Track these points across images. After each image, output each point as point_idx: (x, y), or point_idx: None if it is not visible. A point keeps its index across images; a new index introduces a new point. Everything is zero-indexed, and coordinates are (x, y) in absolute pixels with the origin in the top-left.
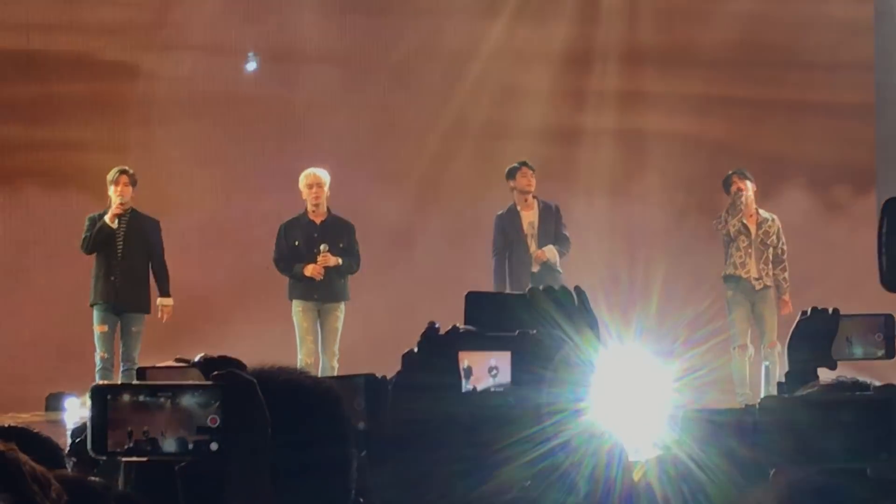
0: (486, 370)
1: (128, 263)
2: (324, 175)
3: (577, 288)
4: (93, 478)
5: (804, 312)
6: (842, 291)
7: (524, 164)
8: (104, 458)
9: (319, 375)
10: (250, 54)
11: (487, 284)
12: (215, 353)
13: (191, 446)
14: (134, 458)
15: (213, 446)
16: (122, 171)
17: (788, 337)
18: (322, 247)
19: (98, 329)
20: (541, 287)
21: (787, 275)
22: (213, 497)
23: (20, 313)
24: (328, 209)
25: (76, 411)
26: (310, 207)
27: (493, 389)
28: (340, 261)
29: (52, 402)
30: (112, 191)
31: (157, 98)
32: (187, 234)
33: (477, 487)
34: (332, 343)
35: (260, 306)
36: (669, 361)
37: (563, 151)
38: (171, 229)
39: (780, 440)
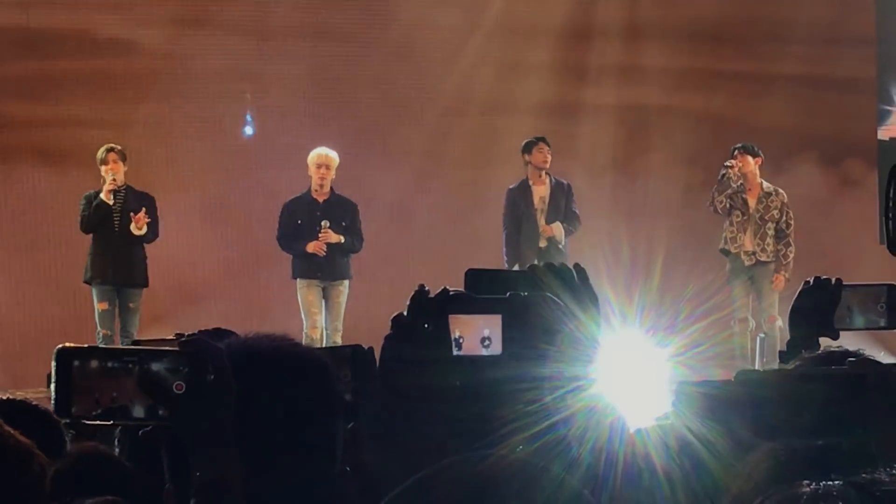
0: (479, 340)
1: (124, 238)
2: (334, 157)
3: (576, 265)
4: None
5: (806, 282)
6: (844, 264)
7: (542, 139)
8: (68, 421)
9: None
10: (248, 118)
11: (489, 260)
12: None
13: (160, 412)
14: (99, 422)
15: (178, 412)
16: (110, 149)
17: (790, 307)
18: (323, 223)
19: (99, 307)
20: (541, 263)
21: (789, 251)
22: (179, 461)
23: (21, 290)
24: (332, 188)
25: None
26: (314, 186)
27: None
28: (342, 239)
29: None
30: (103, 170)
31: (156, 74)
32: (188, 211)
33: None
34: (336, 319)
35: (262, 283)
36: (671, 337)
37: (563, 127)
38: (172, 206)
39: (755, 414)
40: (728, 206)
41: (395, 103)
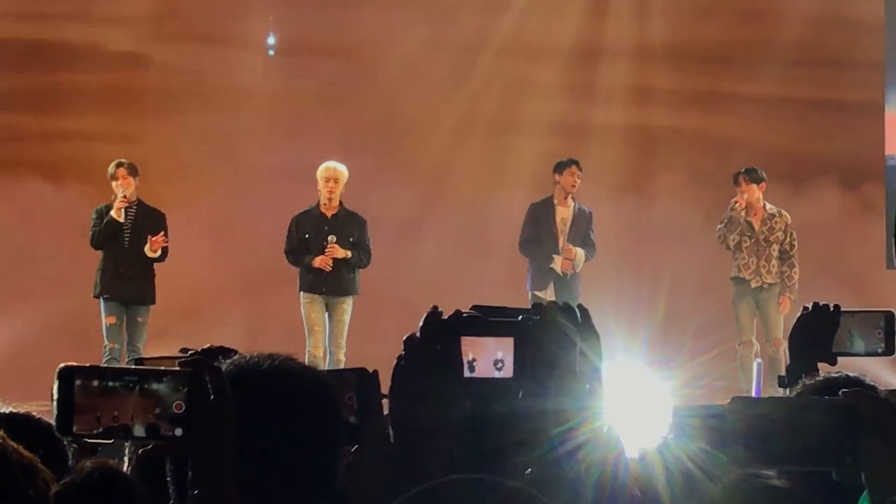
0: (492, 363)
1: (134, 255)
2: (343, 171)
3: (580, 306)
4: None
5: (805, 308)
6: (853, 288)
7: (575, 162)
8: (70, 438)
9: (326, 368)
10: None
11: (495, 279)
12: (220, 344)
13: (160, 432)
14: (100, 440)
15: (178, 431)
16: (119, 164)
17: (790, 332)
18: (330, 238)
19: (106, 320)
20: (545, 303)
21: (793, 272)
22: (179, 480)
23: (28, 303)
24: (340, 202)
25: None
26: (322, 200)
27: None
28: (349, 254)
29: None
30: (114, 185)
31: (165, 89)
32: (196, 226)
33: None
34: (339, 336)
35: (268, 298)
36: (676, 368)
37: (571, 146)
38: (180, 221)
39: (746, 441)
40: (738, 240)
41: (403, 121)
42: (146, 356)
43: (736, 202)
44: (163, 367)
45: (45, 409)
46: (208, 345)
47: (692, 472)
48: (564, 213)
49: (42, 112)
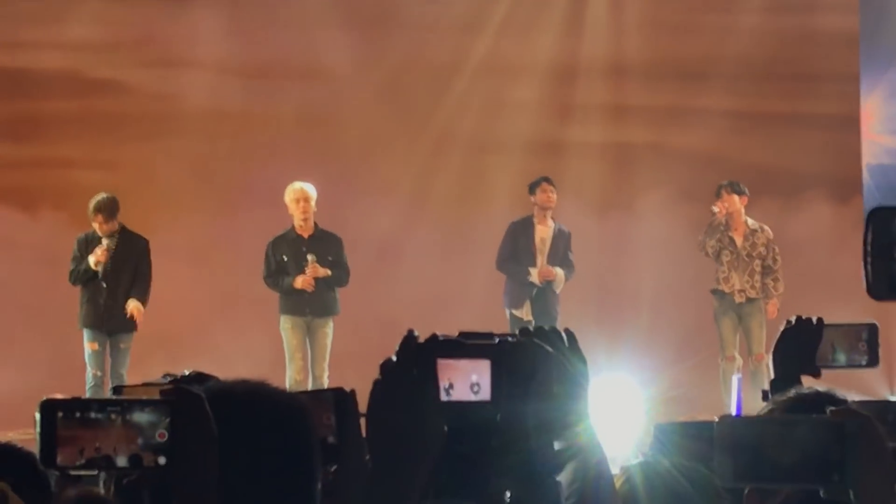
0: (468, 387)
1: (115, 284)
2: (310, 189)
3: (567, 330)
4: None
5: (788, 321)
6: (827, 302)
7: (545, 179)
8: (54, 471)
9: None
10: None
11: (476, 298)
12: (202, 370)
13: (142, 462)
14: (83, 472)
15: (161, 461)
16: (98, 209)
17: (773, 345)
18: (310, 257)
19: (89, 347)
20: (530, 328)
21: (778, 284)
22: None
23: (9, 331)
24: (315, 223)
25: None
26: (297, 222)
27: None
28: (329, 272)
29: None
30: (95, 225)
31: (142, 115)
32: (175, 251)
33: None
34: (321, 360)
35: (249, 323)
36: (657, 378)
37: (549, 165)
38: (159, 246)
39: (735, 458)
40: (718, 248)
41: (381, 142)
42: (126, 384)
43: (716, 210)
44: (145, 397)
45: (28, 437)
46: (188, 371)
47: (675, 487)
48: (544, 233)
49: (21, 140)
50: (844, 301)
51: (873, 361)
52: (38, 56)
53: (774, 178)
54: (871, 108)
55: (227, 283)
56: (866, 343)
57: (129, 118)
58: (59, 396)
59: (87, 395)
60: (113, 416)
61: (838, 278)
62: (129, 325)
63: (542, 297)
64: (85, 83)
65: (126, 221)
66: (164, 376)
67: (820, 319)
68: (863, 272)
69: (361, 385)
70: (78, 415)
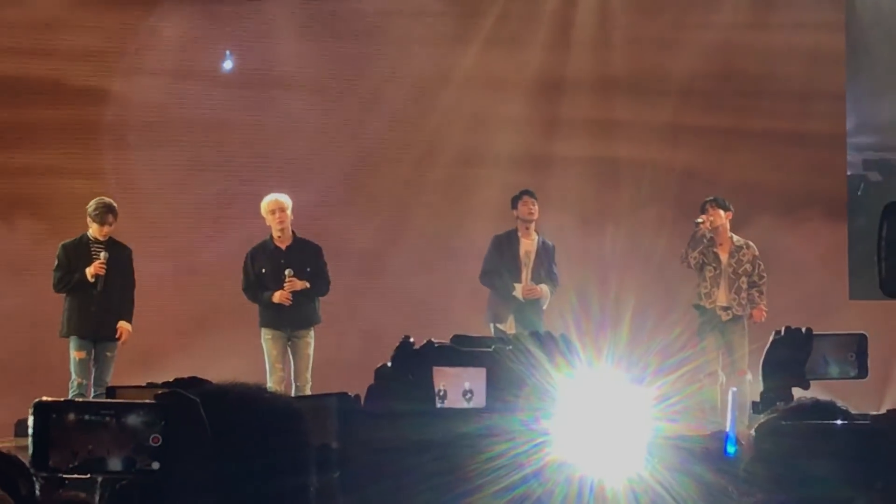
0: (461, 394)
1: (106, 294)
2: (285, 199)
3: (563, 335)
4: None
5: (777, 332)
6: (815, 317)
7: (526, 192)
8: (45, 474)
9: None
10: (227, 53)
11: (460, 311)
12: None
13: (136, 465)
14: (75, 475)
15: (155, 465)
16: (109, 210)
17: (762, 357)
18: (287, 272)
19: (76, 356)
20: (527, 332)
21: (761, 296)
22: None
23: None
24: (293, 233)
25: None
26: (275, 233)
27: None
28: (308, 284)
29: (22, 428)
30: (94, 229)
31: (128, 124)
32: (159, 260)
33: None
34: (304, 370)
35: (231, 333)
36: (640, 389)
37: (534, 179)
38: (143, 254)
39: (770, 466)
40: (701, 262)
41: (367, 154)
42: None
43: (700, 221)
44: (139, 401)
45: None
46: (179, 376)
47: (664, 498)
48: (528, 246)
49: (4, 148)
50: (832, 316)
51: (863, 373)
52: (23, 64)
53: (759, 195)
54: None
55: (209, 293)
56: (855, 354)
57: (113, 127)
58: (50, 399)
59: None
60: (107, 418)
61: (825, 294)
62: (115, 332)
63: (525, 311)
64: (69, 92)
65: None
66: (148, 384)
67: (809, 330)
68: (876, 268)
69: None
70: (72, 417)
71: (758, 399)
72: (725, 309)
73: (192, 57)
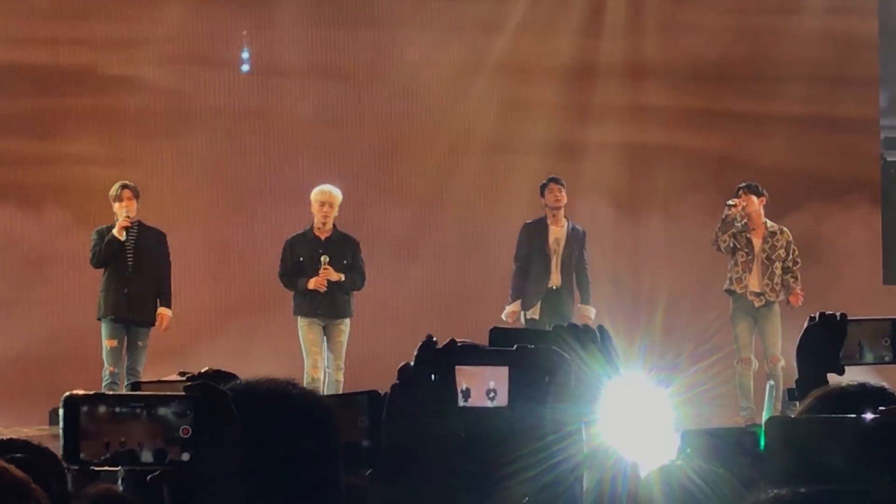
0: (485, 393)
1: (139, 276)
2: (338, 194)
3: (600, 327)
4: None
5: (812, 318)
6: (846, 303)
7: (553, 179)
8: (76, 466)
9: (325, 389)
10: (244, 56)
11: (493, 298)
12: (219, 367)
13: (167, 457)
14: (107, 468)
15: (185, 457)
16: (125, 186)
17: (797, 343)
18: (323, 259)
19: (108, 344)
20: (566, 324)
21: (796, 282)
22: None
23: (24, 327)
24: (334, 225)
25: None
26: (317, 224)
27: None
28: (343, 277)
29: (56, 417)
30: (116, 207)
31: (159, 112)
32: (190, 249)
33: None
34: (337, 357)
35: (265, 321)
36: (674, 376)
37: (567, 165)
38: (174, 243)
39: (784, 459)
40: (732, 245)
41: (398, 142)
42: (143, 380)
43: (732, 203)
44: (169, 393)
45: (42, 433)
46: (206, 368)
47: (694, 491)
48: (558, 233)
49: (37, 136)
50: (866, 301)
51: None
52: (56, 52)
53: (792, 180)
54: None
55: (242, 281)
56: (890, 339)
57: (145, 115)
58: (80, 392)
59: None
60: (138, 410)
61: (859, 279)
62: (150, 319)
63: (554, 297)
64: (102, 80)
65: (141, 218)
66: (180, 373)
67: (843, 315)
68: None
69: (377, 383)
70: (102, 409)
71: (792, 386)
72: (758, 295)
73: (222, 46)
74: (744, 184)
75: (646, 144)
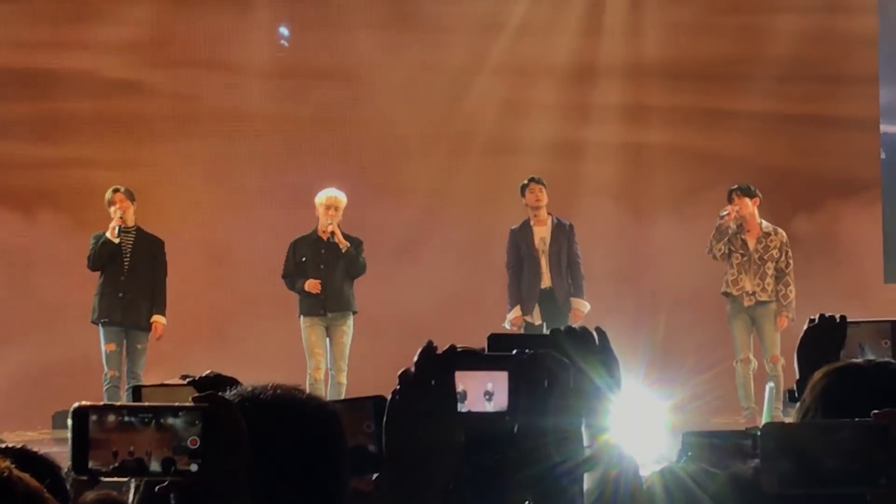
0: (482, 394)
1: (134, 280)
2: (343, 198)
3: (597, 328)
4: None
5: (811, 320)
6: (847, 302)
7: (533, 179)
8: (85, 476)
9: (328, 391)
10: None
11: (493, 299)
12: (220, 370)
13: (175, 467)
14: (115, 478)
15: (193, 467)
16: (116, 189)
17: (797, 344)
18: (329, 227)
19: (106, 348)
20: (562, 328)
21: (789, 291)
22: None
23: (26, 331)
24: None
25: None
26: (321, 227)
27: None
28: (348, 244)
29: (59, 420)
30: (111, 211)
31: (162, 115)
32: (193, 251)
33: None
34: (339, 358)
35: (266, 324)
36: (676, 378)
37: (567, 166)
38: (177, 246)
39: (780, 465)
40: (727, 251)
41: (399, 143)
42: (144, 384)
43: (725, 213)
44: (177, 403)
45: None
46: (208, 371)
47: (695, 494)
48: (542, 233)
49: (39, 140)
50: (867, 300)
51: None
52: (58, 56)
53: (793, 179)
54: None
55: (244, 283)
56: (890, 340)
57: (147, 119)
58: (88, 403)
59: (104, 396)
60: (146, 420)
61: (859, 277)
62: (144, 323)
63: (550, 298)
64: (104, 83)
65: (143, 221)
66: (182, 377)
67: (843, 317)
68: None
69: (379, 385)
70: (111, 419)
71: (793, 387)
72: (750, 294)
73: (224, 48)
74: (736, 186)
75: (646, 144)
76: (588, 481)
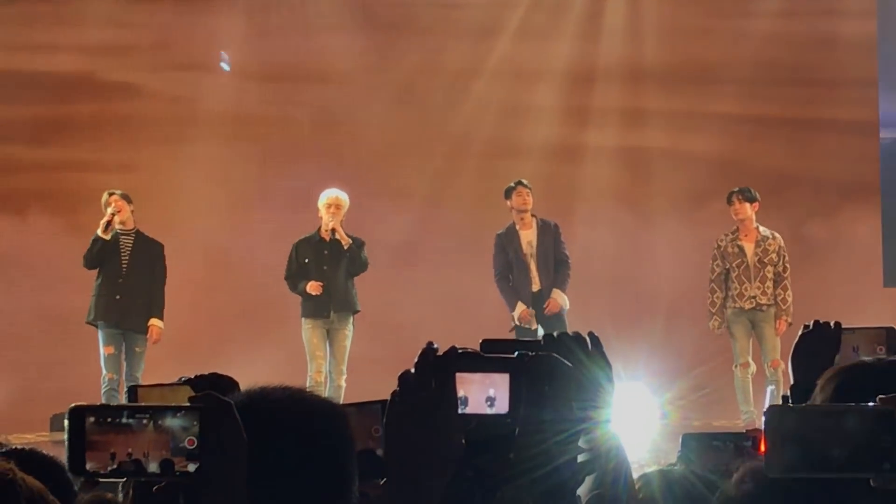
0: (483, 400)
1: (132, 282)
2: (345, 198)
3: (591, 334)
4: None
5: (806, 326)
6: (846, 306)
7: (519, 182)
8: (82, 477)
9: (327, 394)
10: (223, 54)
11: (492, 301)
12: (218, 373)
13: (173, 467)
14: (113, 478)
15: (191, 467)
16: (111, 193)
17: (791, 351)
18: (331, 224)
19: (105, 351)
20: (555, 333)
21: (787, 295)
22: None
23: (25, 333)
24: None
25: None
26: (323, 227)
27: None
28: (350, 241)
29: (57, 423)
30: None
31: (161, 118)
32: (192, 254)
33: None
34: (340, 362)
35: (267, 326)
36: (673, 382)
37: (566, 169)
38: (176, 249)
39: (784, 449)
40: (725, 270)
41: (398, 146)
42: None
43: (721, 241)
44: (175, 404)
45: (43, 440)
46: (206, 372)
47: (693, 493)
48: (529, 236)
49: (38, 143)
50: (865, 304)
51: None
52: (55, 59)
53: (792, 184)
54: None
55: (242, 286)
56: (885, 347)
57: (145, 121)
58: (85, 403)
59: (102, 398)
60: (144, 421)
61: (858, 282)
62: (141, 326)
63: (541, 301)
64: (101, 86)
65: (142, 224)
66: (180, 379)
67: (838, 324)
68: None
69: (378, 388)
70: (108, 420)
71: (787, 393)
72: (751, 298)
73: (224, 51)
74: (736, 189)
75: (645, 148)
76: (588, 484)
